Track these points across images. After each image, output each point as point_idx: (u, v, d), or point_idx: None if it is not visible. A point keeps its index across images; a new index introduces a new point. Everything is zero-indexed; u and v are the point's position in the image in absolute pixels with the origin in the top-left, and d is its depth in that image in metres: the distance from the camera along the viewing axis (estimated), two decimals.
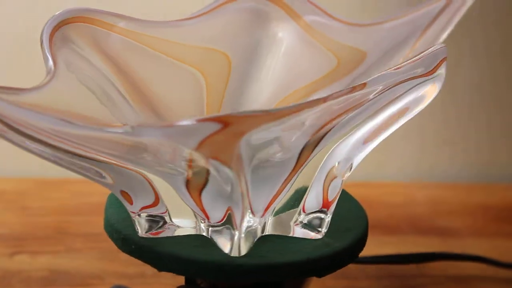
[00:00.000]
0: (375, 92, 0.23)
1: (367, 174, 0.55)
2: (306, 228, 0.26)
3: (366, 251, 0.29)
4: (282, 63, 0.30)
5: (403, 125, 0.28)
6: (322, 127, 0.23)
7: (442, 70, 0.25)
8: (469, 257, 0.41)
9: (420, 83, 0.25)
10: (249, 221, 0.24)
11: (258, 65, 0.30)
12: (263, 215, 0.25)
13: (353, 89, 0.22)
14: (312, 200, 0.25)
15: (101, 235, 0.27)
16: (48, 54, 0.25)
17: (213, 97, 0.30)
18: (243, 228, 0.24)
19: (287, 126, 0.21)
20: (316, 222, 0.26)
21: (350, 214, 0.29)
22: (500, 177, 0.57)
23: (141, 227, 0.24)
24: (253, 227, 0.25)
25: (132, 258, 0.25)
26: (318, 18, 0.30)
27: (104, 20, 0.28)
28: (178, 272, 0.24)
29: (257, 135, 0.21)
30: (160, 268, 0.24)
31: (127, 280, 0.37)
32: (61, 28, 0.26)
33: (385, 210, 0.50)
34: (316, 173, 0.25)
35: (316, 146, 0.24)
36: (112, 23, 0.28)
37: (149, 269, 0.28)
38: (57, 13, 0.26)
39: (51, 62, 0.25)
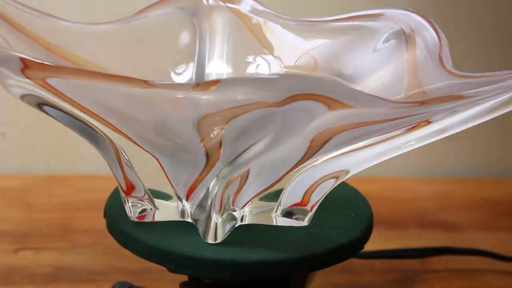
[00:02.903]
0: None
1: (372, 169, 0.54)
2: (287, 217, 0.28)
3: (371, 246, 0.29)
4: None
5: None
6: (199, 123, 0.24)
7: (294, 105, 0.23)
8: (475, 251, 0.42)
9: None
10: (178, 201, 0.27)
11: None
12: (186, 199, 0.26)
13: (196, 86, 0.22)
14: (288, 197, 0.28)
15: (105, 231, 0.27)
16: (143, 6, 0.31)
17: None
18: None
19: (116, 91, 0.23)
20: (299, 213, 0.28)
21: (337, 226, 0.28)
22: (507, 173, 0.58)
23: (129, 212, 0.27)
24: (175, 206, 0.27)
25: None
26: (431, 61, 0.29)
27: None
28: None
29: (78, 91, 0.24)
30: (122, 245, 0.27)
31: (132, 276, 0.37)
32: None
33: (390, 204, 0.51)
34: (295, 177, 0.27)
35: (220, 146, 0.24)
36: None
37: (153, 265, 0.27)
38: None
39: (134, 11, 0.31)
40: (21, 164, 0.54)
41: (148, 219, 0.27)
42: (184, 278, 0.29)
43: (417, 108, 0.24)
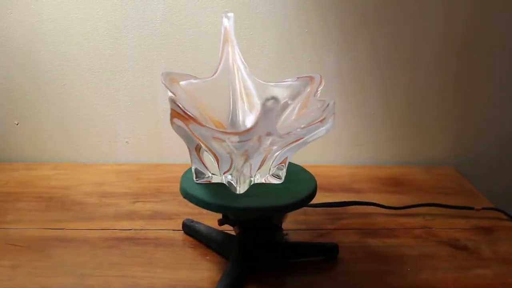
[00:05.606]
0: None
1: (318, 160, 0.66)
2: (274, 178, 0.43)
3: (314, 201, 0.42)
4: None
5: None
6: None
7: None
8: (369, 203, 0.55)
9: None
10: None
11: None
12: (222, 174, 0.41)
13: None
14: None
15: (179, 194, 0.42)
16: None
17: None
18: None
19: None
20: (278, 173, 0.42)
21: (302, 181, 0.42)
22: (387, 162, 0.71)
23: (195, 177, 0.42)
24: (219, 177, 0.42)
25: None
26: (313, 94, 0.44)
27: None
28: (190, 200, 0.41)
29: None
30: (190, 201, 0.40)
31: (192, 216, 0.52)
32: None
33: (326, 179, 0.64)
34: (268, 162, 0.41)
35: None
36: None
37: (204, 210, 0.41)
38: None
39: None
40: (131, 157, 0.67)
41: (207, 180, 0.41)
42: (220, 216, 0.43)
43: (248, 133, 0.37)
